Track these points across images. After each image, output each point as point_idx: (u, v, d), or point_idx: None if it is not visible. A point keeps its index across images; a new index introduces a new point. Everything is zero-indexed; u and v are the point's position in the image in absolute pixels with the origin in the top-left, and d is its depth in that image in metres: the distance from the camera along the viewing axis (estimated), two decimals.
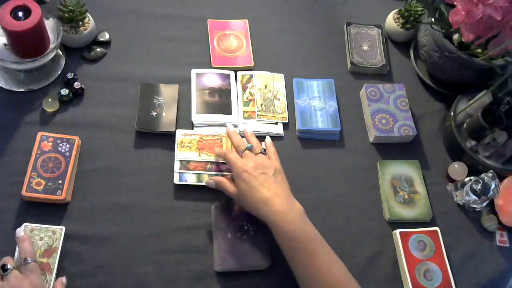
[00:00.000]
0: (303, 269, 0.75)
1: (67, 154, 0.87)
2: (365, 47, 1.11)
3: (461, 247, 0.91)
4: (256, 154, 0.85)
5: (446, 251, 0.88)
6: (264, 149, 0.87)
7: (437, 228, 0.90)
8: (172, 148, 0.92)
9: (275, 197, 0.78)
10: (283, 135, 0.99)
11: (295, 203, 0.80)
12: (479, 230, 0.94)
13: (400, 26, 1.12)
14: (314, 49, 1.11)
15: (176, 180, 0.89)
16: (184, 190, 0.89)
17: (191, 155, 0.91)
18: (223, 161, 0.91)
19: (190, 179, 0.89)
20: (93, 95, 0.97)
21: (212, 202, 0.88)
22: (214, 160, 0.92)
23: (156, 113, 0.95)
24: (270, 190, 0.79)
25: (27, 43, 0.90)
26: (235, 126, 0.97)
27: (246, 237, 0.84)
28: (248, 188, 0.80)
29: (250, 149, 0.86)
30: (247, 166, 0.81)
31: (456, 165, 0.97)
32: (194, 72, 1.02)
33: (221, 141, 0.94)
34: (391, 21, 1.13)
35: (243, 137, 0.92)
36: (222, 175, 0.89)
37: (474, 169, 0.95)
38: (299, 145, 0.98)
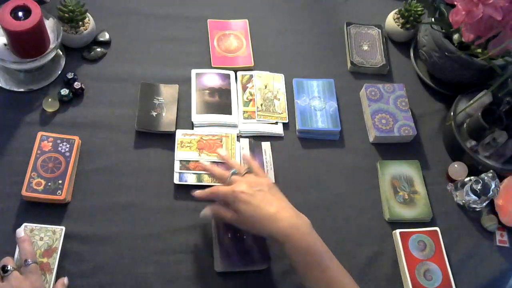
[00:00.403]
0: (318, 284, 0.73)
1: (67, 154, 0.87)
2: (365, 47, 1.11)
3: (461, 247, 0.91)
4: (243, 175, 0.82)
5: (446, 251, 0.88)
6: (248, 168, 0.84)
7: (437, 228, 0.90)
8: (172, 148, 0.92)
9: (281, 211, 0.75)
10: (283, 135, 0.99)
11: (302, 215, 0.77)
12: (479, 230, 0.94)
13: (400, 26, 1.12)
14: (314, 49, 1.11)
15: (176, 180, 0.89)
16: (184, 190, 0.89)
17: (191, 155, 0.91)
18: (223, 161, 0.91)
19: (190, 179, 0.89)
20: (93, 95, 0.97)
21: (212, 202, 0.88)
22: (214, 160, 0.92)
23: (156, 113, 0.95)
24: (273, 205, 0.76)
25: (27, 43, 0.90)
26: (235, 126, 0.97)
27: (246, 237, 0.84)
28: (248, 208, 0.76)
29: (235, 173, 0.82)
30: (241, 188, 0.77)
31: (456, 165, 0.97)
32: (194, 72, 1.02)
33: (221, 141, 0.94)
34: (391, 21, 1.13)
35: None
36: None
37: (474, 169, 0.95)
38: (299, 145, 0.98)
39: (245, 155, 0.90)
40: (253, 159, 0.87)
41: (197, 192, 0.83)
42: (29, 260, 0.74)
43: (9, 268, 0.72)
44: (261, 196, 0.77)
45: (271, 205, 0.76)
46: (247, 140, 0.96)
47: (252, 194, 0.76)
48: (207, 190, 0.82)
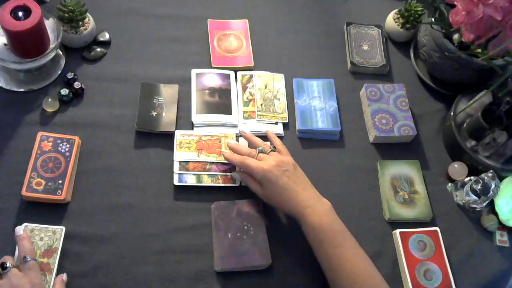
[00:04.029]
0: (328, 261, 0.78)
1: (67, 154, 0.87)
2: (365, 47, 1.11)
3: (461, 247, 0.91)
4: (268, 154, 0.87)
5: (446, 251, 0.88)
6: (272, 146, 0.89)
7: (437, 228, 0.90)
8: (172, 148, 0.92)
9: (302, 192, 0.82)
10: (283, 135, 0.99)
11: (322, 198, 0.83)
12: (479, 230, 0.94)
13: (400, 26, 1.12)
14: (314, 49, 1.11)
15: (176, 182, 0.89)
16: (184, 190, 0.89)
17: (190, 156, 0.91)
18: (223, 162, 0.91)
19: (190, 180, 0.89)
20: (93, 95, 0.97)
21: (212, 202, 0.88)
22: (213, 161, 0.92)
23: (156, 113, 0.95)
24: (298, 185, 0.82)
25: (27, 43, 0.90)
26: (235, 126, 0.97)
27: (246, 237, 0.84)
28: (275, 188, 0.82)
29: (262, 151, 0.87)
30: (269, 167, 0.83)
31: (456, 165, 0.97)
32: (194, 72, 1.02)
33: (219, 142, 0.94)
34: (391, 21, 1.13)
35: (239, 136, 0.94)
36: (224, 175, 0.90)
37: (474, 169, 0.95)
38: (299, 145, 0.98)
39: (269, 131, 0.94)
40: (275, 136, 0.92)
41: (227, 154, 0.89)
42: (28, 257, 0.74)
43: (8, 265, 0.72)
44: (287, 176, 0.82)
45: (295, 184, 0.82)
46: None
47: (280, 175, 0.82)
48: (237, 158, 0.87)
